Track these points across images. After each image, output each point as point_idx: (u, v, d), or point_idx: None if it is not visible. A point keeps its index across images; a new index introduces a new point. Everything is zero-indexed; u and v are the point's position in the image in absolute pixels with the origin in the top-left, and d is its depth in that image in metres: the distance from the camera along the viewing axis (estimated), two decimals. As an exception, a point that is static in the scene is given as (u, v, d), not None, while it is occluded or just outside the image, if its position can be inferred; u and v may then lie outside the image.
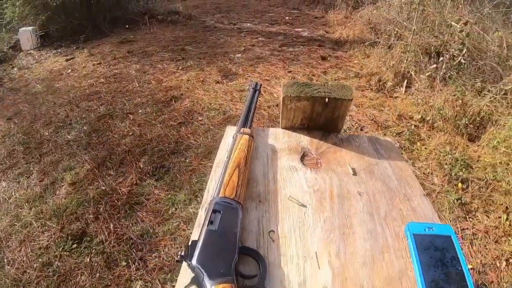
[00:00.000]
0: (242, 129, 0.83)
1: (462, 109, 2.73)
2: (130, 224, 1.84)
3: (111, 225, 1.84)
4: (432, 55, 3.35)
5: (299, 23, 5.09)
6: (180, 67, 3.72)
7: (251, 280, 0.55)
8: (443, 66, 2.95)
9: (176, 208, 1.91)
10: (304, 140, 0.93)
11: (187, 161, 2.29)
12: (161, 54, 4.13)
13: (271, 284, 0.56)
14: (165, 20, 5.39)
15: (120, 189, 2.06)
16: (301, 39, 4.47)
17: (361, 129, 2.79)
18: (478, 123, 2.71)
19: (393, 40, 3.73)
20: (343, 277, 0.60)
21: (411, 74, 3.30)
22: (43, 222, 1.90)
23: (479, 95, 2.83)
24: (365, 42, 4.00)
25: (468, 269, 0.59)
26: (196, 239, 0.57)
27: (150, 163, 2.27)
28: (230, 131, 0.93)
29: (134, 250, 1.71)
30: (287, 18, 5.30)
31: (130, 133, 2.61)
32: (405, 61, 3.36)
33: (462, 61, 3.05)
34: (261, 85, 1.02)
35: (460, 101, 2.74)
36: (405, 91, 3.23)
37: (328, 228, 0.68)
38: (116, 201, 1.99)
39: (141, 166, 2.23)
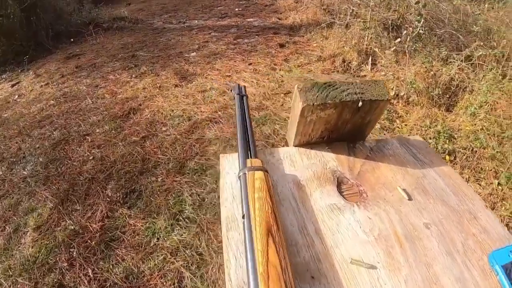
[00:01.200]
0: (249, 161, 0.59)
1: (434, 80, 2.64)
2: (111, 266, 1.56)
3: (90, 270, 1.55)
4: (392, 29, 3.24)
5: (249, 13, 4.84)
6: (133, 75, 3.39)
7: None
8: (408, 39, 2.82)
9: (158, 238, 1.65)
10: (330, 159, 0.71)
11: (159, 180, 2.02)
12: (112, 64, 3.75)
13: None
14: (111, 28, 4.95)
15: (90, 226, 1.77)
16: (254, 29, 4.22)
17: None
18: (451, 92, 2.63)
19: (349, 19, 3.58)
20: None
21: (374, 51, 3.16)
22: (13, 280, 1.59)
23: (446, 64, 2.75)
24: (321, 24, 3.83)
25: None
26: None
27: (118, 189, 1.97)
28: (227, 164, 0.69)
29: (122, 300, 1.44)
30: (236, 9, 5.03)
31: (91, 158, 2.29)
32: (366, 38, 3.21)
33: (421, 31, 2.94)
34: (244, 87, 0.80)
35: (432, 72, 2.63)
36: (372, 69, 3.09)
37: None
38: (89, 240, 1.69)
39: (109, 194, 1.94)
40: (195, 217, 1.73)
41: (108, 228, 1.75)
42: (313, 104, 0.63)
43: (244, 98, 0.76)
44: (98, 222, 1.79)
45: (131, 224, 1.75)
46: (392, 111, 2.54)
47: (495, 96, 2.41)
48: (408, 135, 0.86)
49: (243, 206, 0.53)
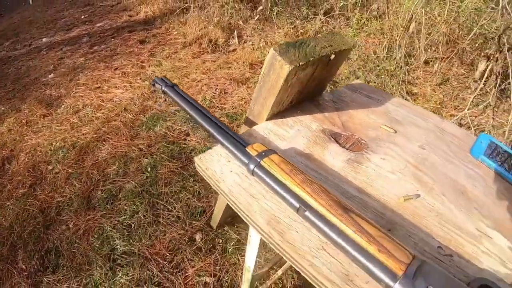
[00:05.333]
0: (250, 149, 0.47)
1: (303, 37, 2.64)
2: None
3: None
4: (247, 1, 3.14)
5: (98, 18, 4.24)
6: (-10, 120, 2.68)
7: None
8: (268, 6, 2.75)
9: (102, 290, 1.33)
10: (309, 121, 0.67)
11: (70, 226, 1.63)
12: (-41, 116, 2.92)
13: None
14: None
15: None
16: (108, 32, 3.71)
17: (225, 93, 2.44)
18: None
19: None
20: (502, 225, 0.54)
21: (238, 24, 3.02)
22: None
23: (308, 21, 2.79)
24: (175, 11, 3.53)
25: None
26: None
27: (30, 256, 1.53)
28: (213, 165, 0.53)
29: None
30: (82, 17, 4.35)
31: (-23, 235, 1.74)
32: (226, 14, 3.04)
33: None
34: (165, 76, 0.67)
35: (301, 30, 2.64)
36: (239, 42, 2.96)
37: (452, 198, 0.59)
38: None
39: (23, 267, 1.49)
40: (131, 248, 1.44)
41: (43, 306, 1.36)
42: (299, 65, 0.54)
43: (175, 87, 0.63)
44: (29, 305, 1.37)
45: (64, 291, 1.38)
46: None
47: (361, 38, 2.52)
48: (352, 82, 0.85)
49: (290, 202, 0.42)
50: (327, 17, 2.85)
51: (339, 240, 0.39)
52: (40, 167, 2.05)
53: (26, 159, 2.15)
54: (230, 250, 1.41)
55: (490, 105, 2.44)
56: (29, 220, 1.72)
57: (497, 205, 0.59)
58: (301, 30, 2.66)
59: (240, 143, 0.50)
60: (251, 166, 0.46)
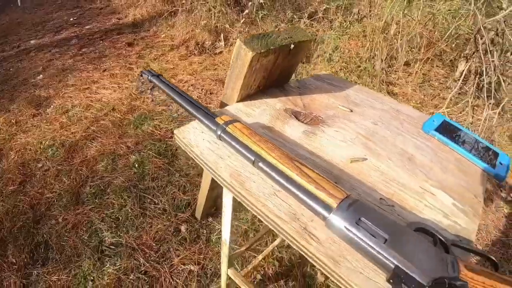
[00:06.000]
0: (219, 119, 0.56)
1: None
2: None
3: None
4: (236, 4, 3.23)
5: (86, 20, 4.28)
6: (-21, 121, 2.70)
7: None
8: (254, 10, 2.84)
9: (92, 280, 1.39)
10: (274, 103, 0.76)
11: (60, 220, 1.68)
12: None
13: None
14: None
15: None
16: (97, 34, 3.76)
17: (210, 93, 2.52)
18: None
19: (192, 2, 3.44)
20: (446, 186, 0.61)
21: (225, 27, 3.11)
22: None
23: (292, 24, 2.89)
24: (163, 14, 3.60)
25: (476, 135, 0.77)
26: (390, 268, 0.39)
27: (20, 250, 1.58)
28: (191, 139, 0.61)
29: None
30: (71, 19, 4.38)
31: (-32, 229, 1.77)
32: (213, 17, 3.12)
33: (261, 1, 2.99)
34: (151, 69, 0.72)
35: None
36: (225, 44, 3.04)
37: (399, 163, 0.66)
38: None
39: (14, 260, 1.53)
40: (119, 240, 1.50)
41: (31, 297, 1.40)
42: (260, 52, 0.64)
43: (161, 76, 0.69)
44: (16, 297, 1.42)
45: (55, 281, 1.43)
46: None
47: (344, 41, 2.62)
48: (318, 73, 0.96)
49: (247, 156, 0.51)
50: (311, 20, 2.96)
51: (285, 183, 0.47)
52: (30, 165, 2.10)
53: (16, 157, 2.19)
54: (213, 239, 1.49)
55: (469, 103, 2.56)
56: (19, 215, 1.76)
57: (443, 171, 0.65)
58: (285, 33, 2.76)
59: (211, 116, 0.59)
60: (218, 132, 0.55)
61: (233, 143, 0.53)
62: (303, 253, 0.45)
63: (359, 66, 2.63)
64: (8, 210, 1.80)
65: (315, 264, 0.45)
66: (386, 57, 2.88)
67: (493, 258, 0.45)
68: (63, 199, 1.78)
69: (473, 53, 2.59)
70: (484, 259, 0.46)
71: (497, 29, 2.22)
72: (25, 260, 1.54)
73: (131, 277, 1.36)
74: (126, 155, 1.99)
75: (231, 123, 0.55)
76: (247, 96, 0.75)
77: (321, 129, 0.71)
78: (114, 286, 1.34)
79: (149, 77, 0.71)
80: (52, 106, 2.61)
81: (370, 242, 0.40)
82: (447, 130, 0.77)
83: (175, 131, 0.65)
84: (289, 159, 0.47)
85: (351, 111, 0.79)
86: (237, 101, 0.74)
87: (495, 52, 2.40)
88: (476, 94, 2.70)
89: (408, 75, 3.03)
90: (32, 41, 3.74)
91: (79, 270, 1.43)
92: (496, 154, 0.73)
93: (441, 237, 0.46)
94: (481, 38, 2.27)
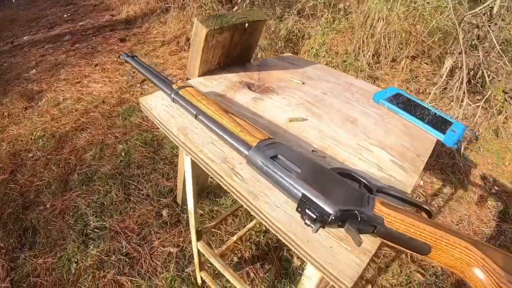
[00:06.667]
0: (174, 85, 0.64)
1: (275, 35, 2.80)
2: None
3: None
4: (226, 1, 3.29)
5: (80, 17, 4.34)
6: (-28, 114, 2.76)
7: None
8: (243, 6, 2.91)
9: (76, 262, 1.44)
10: (232, 77, 0.82)
11: (48, 206, 1.74)
12: None
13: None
14: None
15: None
16: (90, 31, 3.82)
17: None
18: (293, 42, 2.86)
19: (183, 0, 3.50)
20: (387, 145, 0.63)
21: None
22: None
23: (281, 20, 2.95)
24: (156, 11, 3.67)
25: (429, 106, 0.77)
26: (298, 197, 0.42)
27: (9, 235, 1.63)
28: (152, 103, 0.69)
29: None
30: (65, 16, 4.44)
31: (-41, 216, 1.83)
32: (204, 14, 3.20)
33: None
34: (130, 51, 0.75)
35: (272, 29, 2.79)
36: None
37: (340, 124, 0.68)
38: None
39: (2, 245, 1.59)
40: (103, 223, 1.57)
41: (19, 280, 1.45)
42: (214, 28, 0.70)
43: (135, 57, 0.76)
44: (5, 280, 1.47)
45: (41, 264, 1.49)
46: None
47: (330, 36, 2.68)
48: (282, 54, 1.02)
49: (191, 111, 0.58)
50: (299, 16, 3.02)
51: (217, 129, 0.54)
52: (21, 155, 2.16)
53: (7, 148, 2.25)
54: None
55: (454, 98, 2.61)
56: (9, 202, 1.82)
57: (386, 133, 0.67)
58: (272, 28, 2.83)
59: (169, 84, 0.66)
60: (172, 95, 0.62)
61: (181, 102, 0.60)
62: (229, 190, 0.52)
63: (345, 61, 2.69)
64: (-1, 198, 1.87)
65: (238, 200, 0.51)
66: (374, 53, 2.94)
67: (426, 207, 0.46)
68: (51, 187, 1.85)
69: (459, 48, 2.65)
70: (416, 208, 0.48)
71: (478, 23, 2.27)
72: (13, 244, 1.60)
73: (112, 258, 1.42)
74: (113, 145, 2.05)
75: (183, 88, 0.62)
76: (208, 71, 0.81)
77: (269, 96, 0.75)
78: (96, 267, 1.40)
79: (125, 58, 0.77)
80: (44, 99, 2.67)
81: (282, 174, 0.44)
82: (399, 101, 0.77)
83: (140, 99, 0.71)
84: (224, 111, 0.54)
85: (303, 83, 0.83)
86: (199, 76, 0.80)
87: (479, 47, 2.45)
88: (461, 89, 2.75)
89: (395, 71, 3.09)
90: (25, 37, 3.80)
91: (64, 252, 1.49)
92: (450, 123, 0.72)
93: (366, 182, 0.48)
94: (463, 33, 2.32)
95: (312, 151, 0.58)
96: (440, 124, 0.71)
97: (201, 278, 1.25)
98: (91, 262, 1.42)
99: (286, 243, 0.44)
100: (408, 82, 3.00)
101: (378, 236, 0.41)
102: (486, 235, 1.64)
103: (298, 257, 1.43)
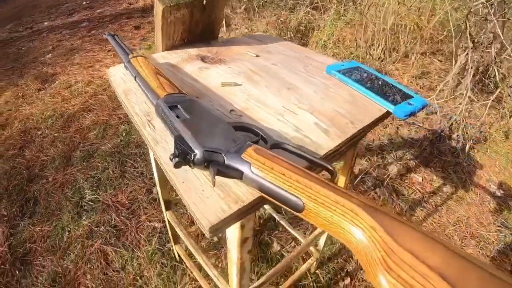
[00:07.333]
0: (130, 55, 0.68)
1: (284, 26, 2.82)
2: (34, 279, 1.39)
3: None
4: None
5: (99, 4, 4.48)
6: (-10, 94, 2.92)
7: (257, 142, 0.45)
8: None
9: (69, 231, 1.53)
10: (192, 51, 0.84)
11: (50, 179, 1.84)
12: (-41, 92, 3.18)
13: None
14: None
15: None
16: (107, 18, 3.95)
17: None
18: (302, 33, 2.87)
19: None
20: (318, 110, 0.61)
21: (227, 13, 3.23)
22: None
23: (293, 12, 2.97)
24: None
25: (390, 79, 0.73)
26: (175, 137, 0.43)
27: (12, 204, 1.74)
28: (114, 71, 0.76)
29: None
30: (84, 3, 4.60)
31: (-32, 190, 1.96)
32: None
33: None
34: (113, 32, 0.84)
35: (281, 19, 2.82)
36: (227, 29, 3.16)
37: (274, 90, 0.68)
38: (2, 265, 1.47)
39: (5, 213, 1.70)
40: (97, 197, 1.65)
41: (17, 245, 1.55)
42: (170, 5, 0.73)
43: (115, 36, 0.81)
44: (4, 244, 1.57)
45: (37, 231, 1.58)
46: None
47: (339, 28, 2.68)
48: (255, 34, 1.04)
49: (132, 75, 0.64)
50: (311, 8, 3.03)
51: (143, 87, 0.59)
52: (30, 132, 2.28)
53: (19, 126, 2.38)
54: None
55: (463, 95, 2.56)
56: (15, 175, 1.94)
57: (324, 100, 0.65)
58: (281, 19, 2.85)
59: (127, 54, 0.71)
60: (125, 63, 0.68)
61: (130, 69, 0.66)
62: (143, 139, 0.57)
63: (352, 53, 2.69)
64: (7, 171, 1.98)
65: (149, 147, 0.56)
66: (384, 47, 2.91)
67: (327, 166, 0.43)
68: (55, 162, 1.95)
69: (470, 43, 2.58)
70: (319, 166, 0.45)
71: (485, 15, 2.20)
72: (15, 213, 1.70)
73: (101, 229, 1.50)
74: (116, 125, 2.14)
75: (135, 57, 0.67)
76: (172, 47, 0.84)
77: (216, 66, 0.77)
78: (86, 237, 1.48)
79: (107, 35, 0.83)
80: (57, 82, 2.79)
81: (171, 118, 0.47)
82: (355, 73, 0.73)
83: (109, 69, 0.78)
84: (155, 73, 0.59)
85: (258, 56, 0.83)
86: (163, 50, 0.84)
87: (492, 43, 2.38)
88: (466, 86, 2.68)
89: (406, 66, 3.05)
90: (45, 23, 3.96)
91: (59, 222, 1.57)
92: (410, 97, 0.67)
93: (264, 135, 0.48)
94: (470, 26, 2.27)
95: (231, 110, 0.59)
96: (397, 96, 0.66)
97: (177, 252, 1.30)
98: (82, 232, 1.50)
99: (170, 181, 0.47)
100: (419, 78, 2.95)
101: (246, 183, 0.40)
102: (484, 239, 1.59)
103: (278, 242, 1.46)
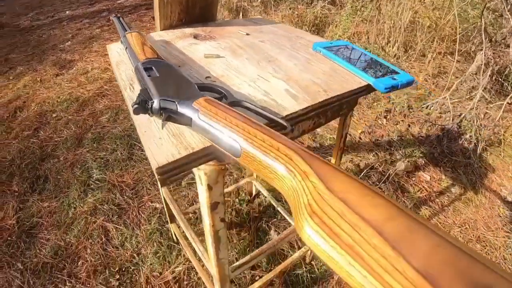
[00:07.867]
0: (127, 32, 0.71)
1: (300, 20, 2.82)
2: (38, 251, 1.45)
3: (19, 264, 1.42)
4: None
5: (119, -6, 4.58)
6: (11, 77, 3.04)
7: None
8: None
9: (74, 208, 1.58)
10: (188, 30, 0.87)
11: (61, 159, 1.91)
12: (-18, 75, 3.31)
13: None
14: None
15: (6, 224, 1.61)
16: (126, 8, 4.04)
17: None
18: (317, 27, 2.86)
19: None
20: (293, 79, 0.62)
21: (244, 6, 3.26)
22: None
23: (310, 6, 2.97)
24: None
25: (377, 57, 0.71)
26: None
27: (24, 181, 1.82)
28: (113, 47, 0.80)
29: (57, 272, 1.36)
30: (106, -7, 4.71)
31: (-15, 166, 2.05)
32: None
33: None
34: (119, 15, 0.86)
35: (296, 13, 2.83)
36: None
37: (254, 62, 0.69)
38: (9, 238, 1.54)
39: (16, 189, 1.77)
40: (104, 176, 1.70)
41: (24, 218, 1.62)
42: None
43: (120, 18, 0.83)
44: (13, 217, 1.64)
45: (45, 207, 1.64)
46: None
47: (355, 23, 2.67)
48: (253, 17, 1.05)
49: (123, 44, 0.69)
50: (328, 2, 3.02)
51: (129, 54, 0.63)
52: (46, 115, 2.36)
53: (35, 108, 2.47)
54: (183, 184, 1.64)
55: (477, 96, 2.50)
56: (29, 154, 2.02)
57: (302, 71, 0.65)
58: (296, 13, 2.86)
59: (124, 31, 0.74)
60: (121, 38, 0.71)
61: (124, 43, 0.69)
62: (125, 99, 0.59)
63: (366, 48, 2.67)
64: (21, 149, 2.06)
65: (126, 103, 0.59)
66: (400, 44, 2.88)
67: (281, 121, 0.45)
68: (67, 143, 2.02)
69: (486, 43, 2.53)
70: (278, 125, 0.46)
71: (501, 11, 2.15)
72: (26, 189, 1.77)
73: (105, 207, 1.54)
74: (128, 110, 2.19)
75: (130, 33, 0.70)
76: (170, 26, 0.88)
77: (205, 42, 0.79)
78: (90, 213, 1.53)
79: (113, 17, 0.87)
80: (74, 68, 2.88)
81: (143, 76, 0.50)
82: (342, 50, 0.72)
83: (107, 46, 0.82)
84: (141, 43, 0.62)
85: (248, 34, 0.84)
86: (161, 30, 0.87)
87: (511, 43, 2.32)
88: (490, 88, 2.62)
89: (422, 65, 3.00)
90: (66, 12, 4.08)
91: (66, 199, 1.63)
92: (396, 73, 0.65)
93: (226, 94, 0.51)
94: (486, 24, 2.22)
95: (207, 77, 0.62)
96: (380, 72, 0.65)
97: (174, 232, 1.33)
98: (86, 209, 1.55)
99: (137, 131, 0.50)
100: (434, 77, 2.91)
101: (195, 130, 0.42)
102: (491, 244, 1.53)
103: (275, 230, 1.47)
